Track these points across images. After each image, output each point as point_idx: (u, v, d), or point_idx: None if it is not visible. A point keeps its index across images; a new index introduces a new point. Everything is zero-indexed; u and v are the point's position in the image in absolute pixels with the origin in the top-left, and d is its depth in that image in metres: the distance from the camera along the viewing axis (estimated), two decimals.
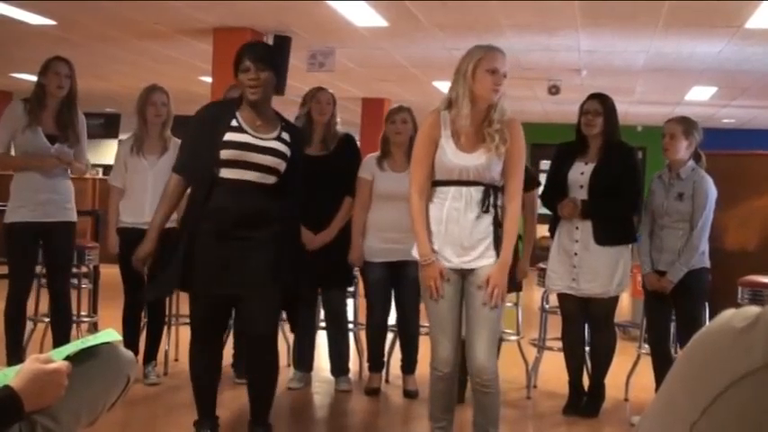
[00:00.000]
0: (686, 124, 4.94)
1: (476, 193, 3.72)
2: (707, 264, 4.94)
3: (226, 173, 3.89)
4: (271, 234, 3.89)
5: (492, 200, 3.74)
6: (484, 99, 3.70)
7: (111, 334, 2.15)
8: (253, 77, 3.90)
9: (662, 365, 4.99)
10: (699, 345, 0.99)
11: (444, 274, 3.74)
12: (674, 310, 5.03)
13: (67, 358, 1.99)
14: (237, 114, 3.98)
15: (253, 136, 3.92)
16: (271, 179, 3.93)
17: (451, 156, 3.73)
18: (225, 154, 3.88)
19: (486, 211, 3.72)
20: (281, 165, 3.94)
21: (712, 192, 4.88)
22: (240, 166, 3.88)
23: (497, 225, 3.75)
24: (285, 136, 4.01)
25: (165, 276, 4.08)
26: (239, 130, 3.93)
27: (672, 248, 4.90)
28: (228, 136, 3.90)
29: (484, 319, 3.74)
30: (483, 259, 3.73)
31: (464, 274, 3.78)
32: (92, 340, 2.10)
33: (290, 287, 4.02)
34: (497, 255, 3.74)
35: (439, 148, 3.76)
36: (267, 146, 3.92)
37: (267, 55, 4.07)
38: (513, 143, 3.75)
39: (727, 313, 0.97)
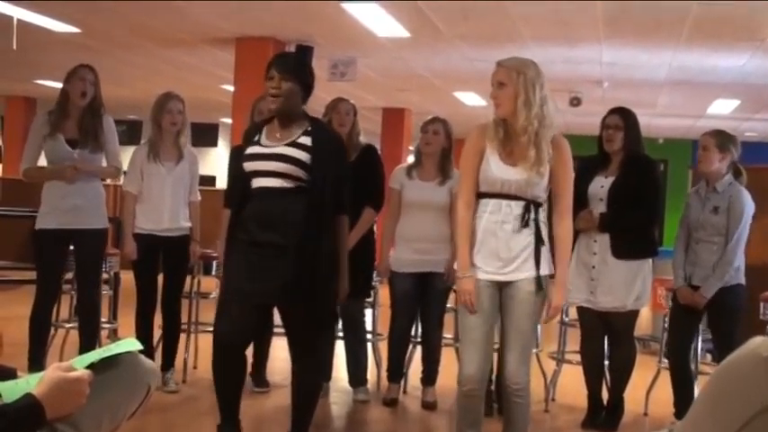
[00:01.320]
0: (721, 138, 4.90)
1: (516, 207, 3.71)
2: (742, 280, 4.89)
3: (254, 183, 3.98)
4: (291, 241, 3.85)
5: (533, 215, 3.72)
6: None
7: (132, 343, 2.16)
8: (275, 86, 3.93)
9: (680, 381, 4.96)
10: (726, 372, 0.99)
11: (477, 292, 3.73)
12: (707, 328, 5.00)
13: (89, 367, 2.00)
14: (264, 129, 4.08)
15: (262, 145, 4.00)
16: (289, 184, 3.91)
17: (495, 168, 3.74)
18: (245, 166, 4.01)
19: (526, 226, 3.71)
20: (293, 170, 3.89)
21: (749, 206, 4.84)
22: (258, 175, 3.96)
23: (539, 239, 3.73)
24: (304, 140, 3.96)
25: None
26: (257, 143, 4.03)
27: (706, 263, 4.86)
28: (249, 150, 4.03)
29: (520, 333, 3.76)
30: (521, 272, 3.72)
31: (501, 287, 3.77)
32: (114, 349, 2.11)
33: (315, 296, 3.96)
34: (537, 268, 3.72)
35: (484, 159, 3.77)
36: (274, 152, 3.93)
37: (294, 66, 4.07)
38: (558, 162, 3.74)
39: (756, 341, 0.97)
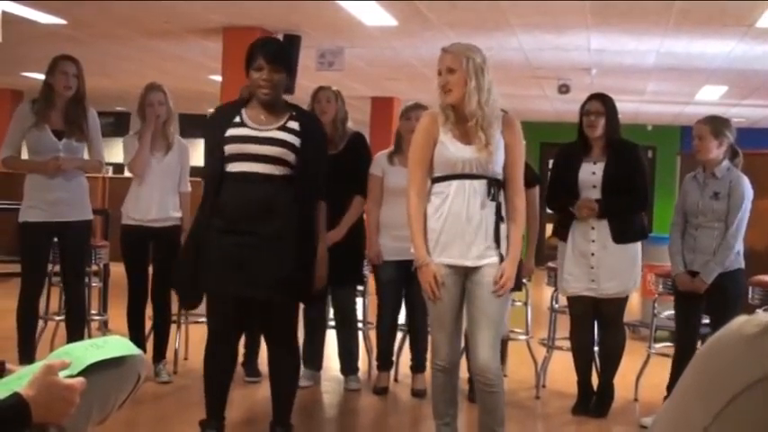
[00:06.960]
0: (714, 124, 4.90)
1: (479, 186, 3.71)
2: (742, 265, 4.90)
3: (233, 167, 3.89)
4: (277, 229, 3.83)
5: (495, 193, 3.72)
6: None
7: (126, 346, 2.13)
8: (266, 78, 3.88)
9: (685, 366, 4.95)
10: (711, 351, 0.99)
11: (439, 278, 3.71)
12: (705, 314, 5.02)
13: (82, 372, 1.96)
14: (243, 111, 3.99)
15: (252, 128, 3.92)
16: (279, 170, 3.87)
17: (453, 149, 3.72)
18: (228, 149, 3.91)
19: (493, 200, 3.71)
20: (285, 154, 3.87)
21: (749, 191, 4.85)
22: (244, 158, 3.88)
23: (499, 221, 3.74)
24: (292, 125, 3.94)
25: (188, 279, 4.00)
26: (240, 124, 3.94)
27: (706, 249, 4.86)
28: (230, 131, 3.93)
29: (487, 318, 3.74)
30: (485, 258, 3.72)
31: (466, 272, 3.77)
32: (105, 348, 2.08)
33: (300, 285, 3.97)
34: (499, 254, 3.72)
35: (439, 144, 3.75)
36: (267, 136, 3.89)
37: (281, 54, 4.04)
38: (511, 139, 3.76)
39: (739, 320, 0.97)
